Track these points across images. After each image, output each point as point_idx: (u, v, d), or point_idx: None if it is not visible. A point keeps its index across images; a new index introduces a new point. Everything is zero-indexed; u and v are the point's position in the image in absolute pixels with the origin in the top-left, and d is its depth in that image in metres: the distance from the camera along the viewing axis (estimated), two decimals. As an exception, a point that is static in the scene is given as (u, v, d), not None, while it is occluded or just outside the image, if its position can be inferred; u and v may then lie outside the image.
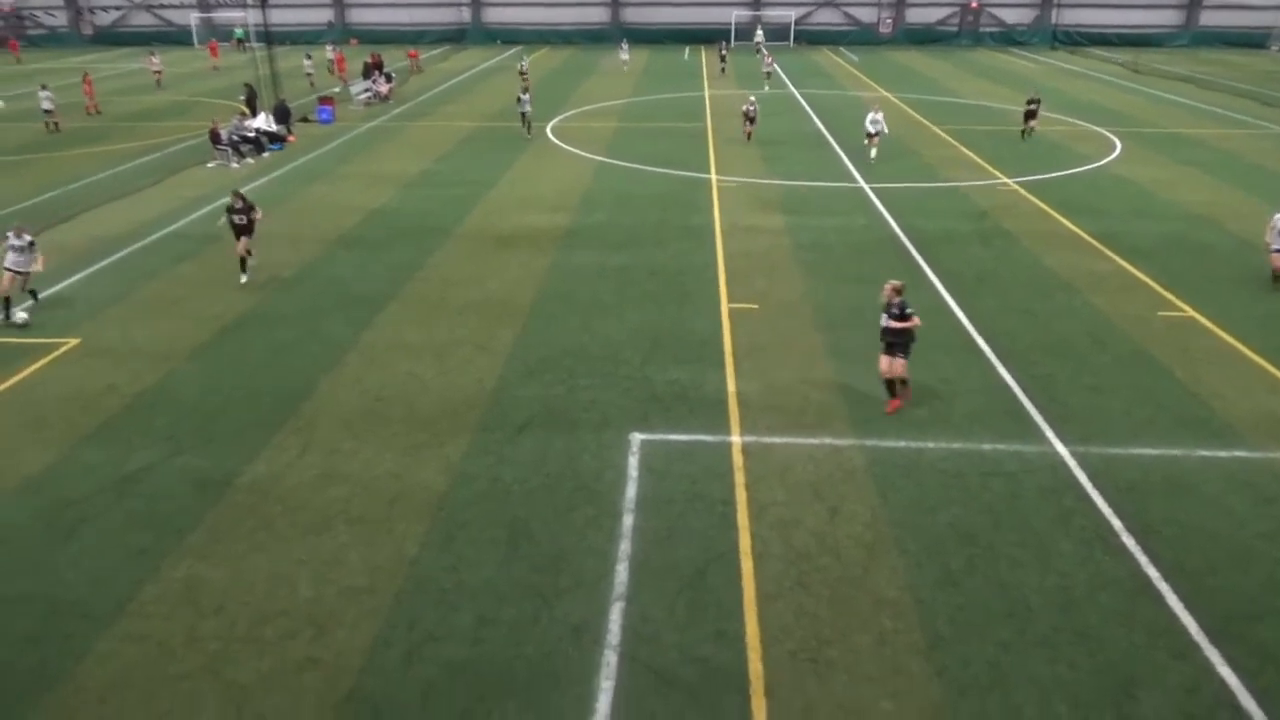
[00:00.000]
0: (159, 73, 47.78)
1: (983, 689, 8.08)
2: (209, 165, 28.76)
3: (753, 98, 32.62)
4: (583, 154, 30.46)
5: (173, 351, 14.95)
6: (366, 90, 41.99)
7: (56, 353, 14.95)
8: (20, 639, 8.65)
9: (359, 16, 73.64)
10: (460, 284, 18.13)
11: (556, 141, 32.69)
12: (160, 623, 8.87)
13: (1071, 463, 11.63)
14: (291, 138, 32.71)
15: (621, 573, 9.58)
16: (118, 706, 7.88)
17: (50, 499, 10.89)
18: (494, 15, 73.55)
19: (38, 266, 16.63)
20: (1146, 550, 9.89)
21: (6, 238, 16.16)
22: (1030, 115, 32.81)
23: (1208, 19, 70.67)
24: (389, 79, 43.47)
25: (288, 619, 8.91)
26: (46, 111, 34.28)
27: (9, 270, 16.00)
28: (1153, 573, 9.54)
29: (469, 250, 20.35)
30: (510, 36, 72.68)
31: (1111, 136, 33.79)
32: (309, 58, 48.60)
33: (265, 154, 30.54)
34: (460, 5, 73.14)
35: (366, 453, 11.88)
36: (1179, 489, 11.05)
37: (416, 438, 12.27)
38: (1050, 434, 12.29)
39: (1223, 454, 11.83)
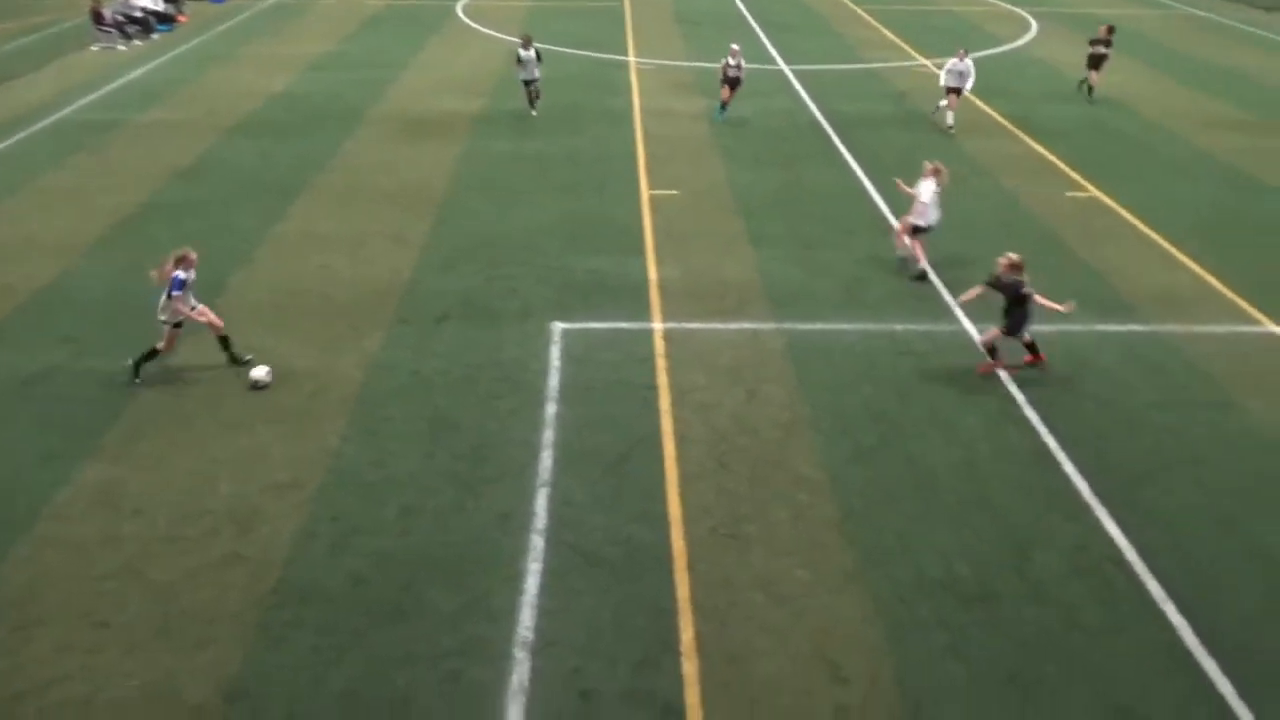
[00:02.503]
0: None
1: (892, 556, 8.54)
2: (93, 48, 26.79)
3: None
4: (496, 35, 29.24)
5: (70, 246, 14.23)
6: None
7: (-60, 251, 14.09)
8: (-71, 547, 8.43)
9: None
10: (372, 172, 17.53)
11: (468, 21, 31.31)
12: (77, 525, 8.72)
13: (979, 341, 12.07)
14: (182, 18, 30.56)
15: (546, 460, 9.72)
16: (40, 608, 7.79)
17: (-53, 404, 10.46)
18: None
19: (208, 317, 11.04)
20: (1045, 421, 10.43)
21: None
22: (1097, 61, 22.37)
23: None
24: (286, -48, 40.67)
25: (210, 517, 8.85)
26: None
27: (170, 324, 10.75)
28: (1051, 442, 10.09)
29: (381, 137, 19.61)
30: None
31: (1028, 16, 33.81)
32: None
33: (154, 35, 28.51)
34: None
35: (282, 348, 11.62)
36: (1077, 363, 11.60)
37: (333, 331, 12.04)
38: (960, 314, 12.68)
39: (1118, 328, 12.44)
